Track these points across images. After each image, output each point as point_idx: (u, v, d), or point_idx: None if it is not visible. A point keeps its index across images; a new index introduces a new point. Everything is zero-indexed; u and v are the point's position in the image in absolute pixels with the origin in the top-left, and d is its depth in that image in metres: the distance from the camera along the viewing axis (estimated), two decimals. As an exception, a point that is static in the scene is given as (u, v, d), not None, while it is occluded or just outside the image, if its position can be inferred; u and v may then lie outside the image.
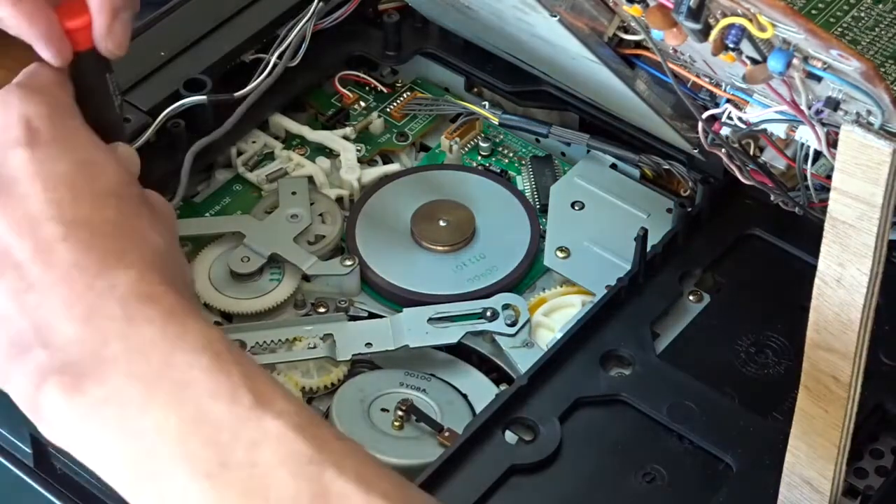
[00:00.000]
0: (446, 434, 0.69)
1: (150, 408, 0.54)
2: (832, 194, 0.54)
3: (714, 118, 0.69)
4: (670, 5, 0.58)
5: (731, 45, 0.58)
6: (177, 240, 0.62)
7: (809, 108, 0.60)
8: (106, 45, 0.63)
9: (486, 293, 0.75)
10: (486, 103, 0.85)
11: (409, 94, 0.87)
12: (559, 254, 0.77)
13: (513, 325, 0.73)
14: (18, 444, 0.68)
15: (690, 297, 0.75)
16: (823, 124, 0.61)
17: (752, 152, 0.72)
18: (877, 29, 0.83)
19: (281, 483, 0.52)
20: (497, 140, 0.84)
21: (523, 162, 0.83)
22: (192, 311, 0.56)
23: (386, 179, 0.81)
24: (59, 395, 0.55)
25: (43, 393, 0.55)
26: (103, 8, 0.62)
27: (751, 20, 0.56)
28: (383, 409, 0.71)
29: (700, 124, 0.70)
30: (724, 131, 0.69)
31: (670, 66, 0.70)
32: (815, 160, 0.67)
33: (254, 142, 0.82)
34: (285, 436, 0.53)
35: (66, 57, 0.62)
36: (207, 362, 0.54)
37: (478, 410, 0.70)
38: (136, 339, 0.55)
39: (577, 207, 0.79)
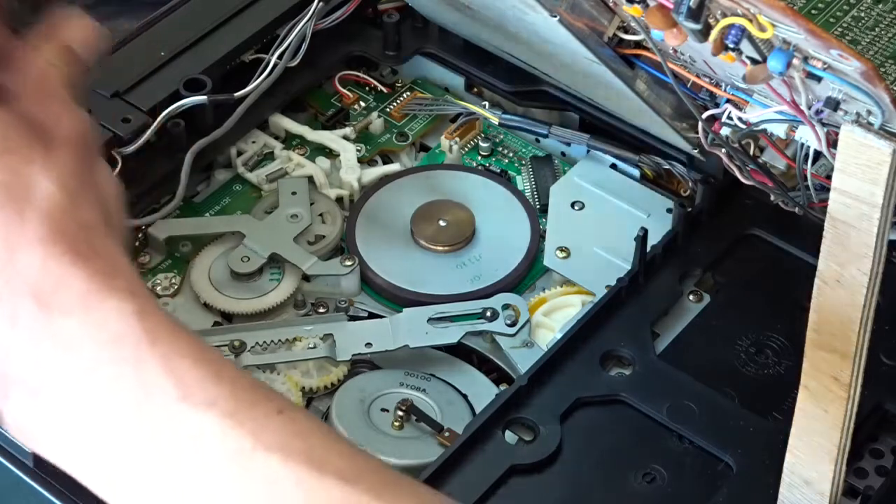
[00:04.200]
0: (446, 434, 0.69)
1: (95, 412, 0.53)
2: (832, 194, 0.54)
3: (714, 118, 0.69)
4: (670, 5, 0.58)
5: (731, 45, 0.58)
6: (87, 159, 0.56)
7: (809, 108, 0.60)
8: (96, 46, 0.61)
9: (486, 293, 0.75)
10: (486, 103, 0.85)
11: (409, 94, 0.86)
12: (559, 254, 0.77)
13: (513, 325, 0.73)
14: (18, 444, 0.68)
15: (690, 297, 0.75)
16: (823, 124, 0.61)
17: (752, 152, 0.72)
18: (877, 29, 0.83)
19: (233, 480, 0.51)
20: (497, 140, 0.84)
21: (523, 162, 0.83)
22: (107, 280, 0.53)
23: (386, 179, 0.81)
24: (20, 409, 0.54)
25: (8, 407, 0.54)
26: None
27: (751, 20, 0.56)
28: (383, 409, 0.71)
29: (700, 124, 0.70)
30: (724, 131, 0.69)
31: (670, 66, 0.70)
32: (815, 160, 0.67)
33: (254, 142, 0.82)
34: (221, 427, 0.51)
35: None
36: (131, 353, 0.52)
37: (478, 410, 0.70)
38: (62, 335, 0.52)
39: (577, 207, 0.79)
